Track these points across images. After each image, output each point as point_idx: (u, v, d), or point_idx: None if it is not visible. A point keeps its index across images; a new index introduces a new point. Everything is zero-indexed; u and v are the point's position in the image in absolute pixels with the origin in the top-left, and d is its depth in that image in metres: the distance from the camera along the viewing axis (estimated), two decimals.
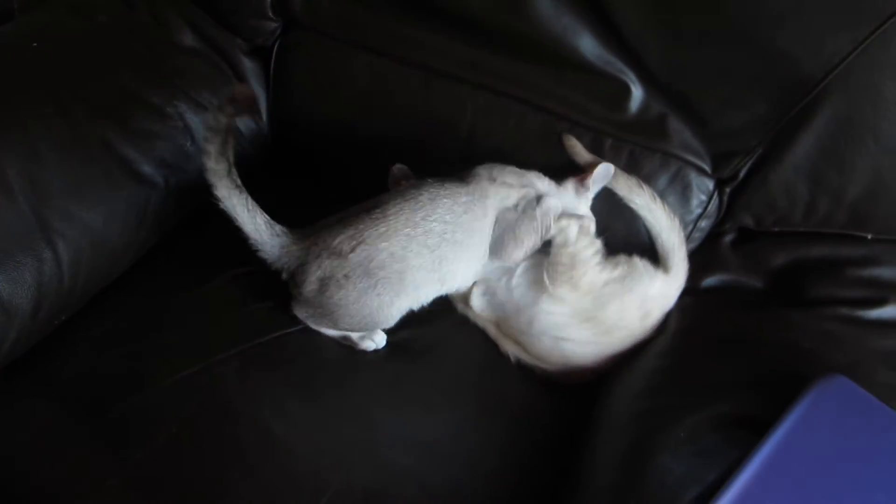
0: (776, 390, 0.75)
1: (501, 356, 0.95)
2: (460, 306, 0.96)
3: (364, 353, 0.90)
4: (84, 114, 0.92)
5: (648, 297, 0.90)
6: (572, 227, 0.89)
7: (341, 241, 0.80)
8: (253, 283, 0.95)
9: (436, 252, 0.82)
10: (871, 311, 0.85)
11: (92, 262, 0.88)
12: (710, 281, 0.95)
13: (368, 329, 0.88)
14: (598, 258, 0.90)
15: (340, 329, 0.88)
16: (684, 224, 0.94)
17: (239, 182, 0.81)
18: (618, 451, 0.77)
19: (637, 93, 0.92)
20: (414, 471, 0.79)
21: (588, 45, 0.91)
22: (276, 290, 0.94)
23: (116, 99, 0.96)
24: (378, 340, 0.90)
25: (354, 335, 0.89)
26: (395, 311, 0.85)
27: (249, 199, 0.81)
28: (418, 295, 0.86)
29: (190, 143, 1.01)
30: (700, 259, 0.96)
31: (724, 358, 0.83)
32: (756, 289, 0.92)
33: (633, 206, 0.92)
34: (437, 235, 0.82)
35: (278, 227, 0.83)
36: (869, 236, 0.90)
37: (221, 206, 0.81)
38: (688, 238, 0.95)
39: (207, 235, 1.03)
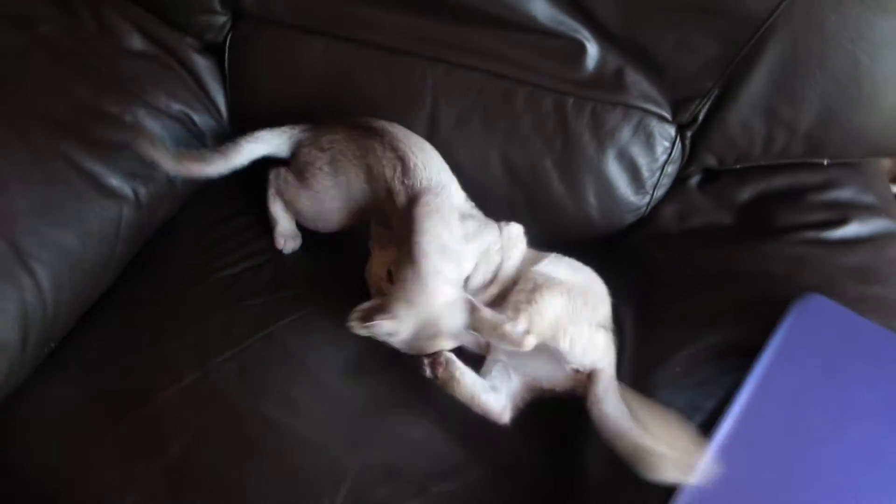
0: (759, 316, 0.79)
1: None
2: None
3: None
4: (41, 131, 0.90)
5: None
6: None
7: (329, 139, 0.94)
8: (237, 284, 0.96)
9: None
10: (835, 232, 0.89)
11: (73, 284, 0.87)
12: (681, 223, 0.98)
13: (317, 225, 0.97)
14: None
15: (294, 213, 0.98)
16: (651, 172, 0.97)
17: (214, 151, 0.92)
18: None
19: (592, 50, 0.94)
20: (429, 444, 0.82)
21: (540, 8, 0.93)
22: (260, 288, 0.95)
23: (72, 112, 0.94)
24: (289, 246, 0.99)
25: (277, 228, 0.98)
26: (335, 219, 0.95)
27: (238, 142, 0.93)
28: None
29: None
30: (670, 204, 1.00)
31: (705, 293, 0.87)
32: (726, 225, 0.96)
33: None
34: None
35: (285, 128, 0.97)
36: (825, 162, 0.94)
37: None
38: (656, 185, 0.98)
39: (182, 242, 1.02)
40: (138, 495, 0.74)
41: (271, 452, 0.78)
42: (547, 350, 0.82)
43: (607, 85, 0.95)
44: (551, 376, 0.85)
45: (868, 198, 0.93)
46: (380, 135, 0.91)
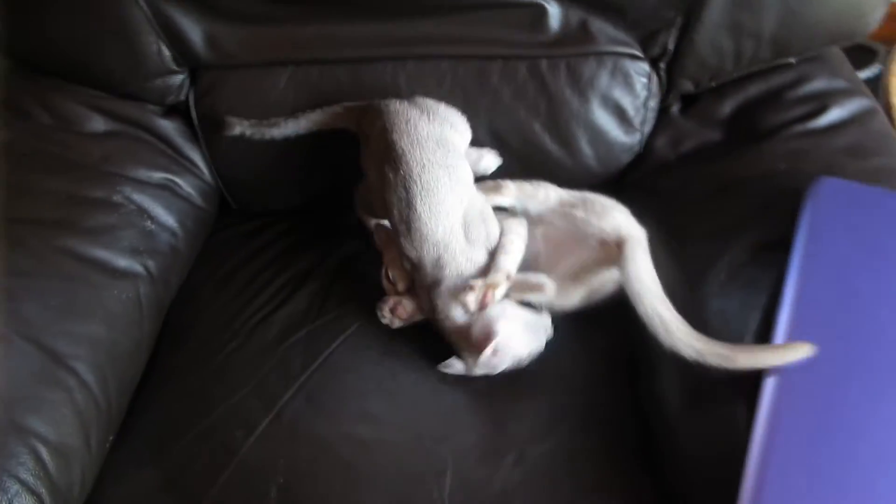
0: (780, 210, 0.83)
1: None
2: None
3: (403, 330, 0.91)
4: (35, 235, 0.87)
5: None
6: None
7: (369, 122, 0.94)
8: (273, 325, 0.94)
9: None
10: (820, 120, 0.94)
11: (115, 372, 0.84)
12: (676, 150, 1.02)
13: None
14: None
15: None
16: (636, 110, 1.00)
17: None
18: None
19: (553, 9, 0.96)
20: (512, 415, 0.83)
21: None
22: (298, 322, 0.94)
23: (58, 208, 0.91)
24: None
25: None
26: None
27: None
28: None
29: (149, 222, 0.97)
30: (660, 136, 1.03)
31: (721, 204, 0.90)
32: (718, 141, 0.99)
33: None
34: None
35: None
36: (793, 60, 0.99)
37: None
38: (643, 120, 1.02)
39: (203, 305, 1.00)
40: None
41: (367, 467, 0.79)
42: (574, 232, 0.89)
43: (575, 39, 0.97)
44: (582, 257, 0.88)
45: (839, 83, 0.98)
46: (396, 163, 0.86)
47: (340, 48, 1.00)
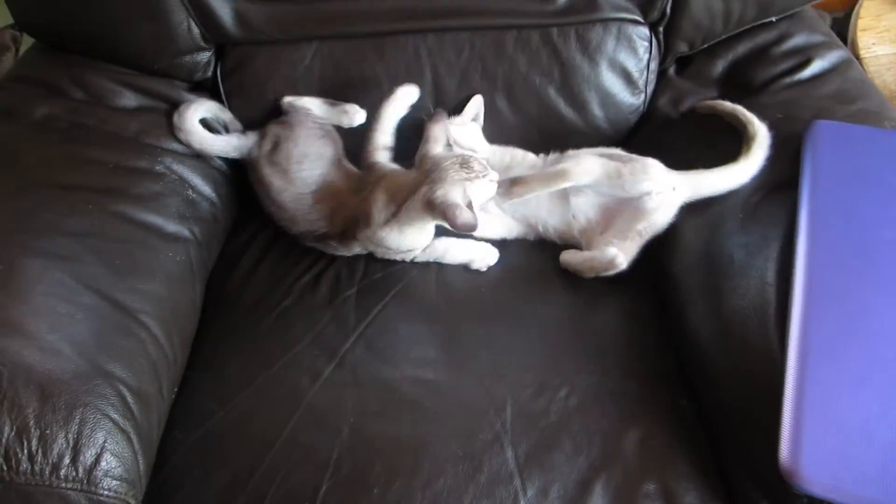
0: (783, 153, 0.93)
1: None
2: None
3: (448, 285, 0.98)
4: (89, 202, 0.90)
5: None
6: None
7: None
8: (322, 286, 1.00)
9: None
10: (805, 72, 1.05)
11: (178, 328, 0.88)
12: (677, 108, 1.11)
13: None
14: None
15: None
16: (640, 72, 1.09)
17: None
18: (698, 255, 0.92)
19: None
20: (560, 353, 0.90)
21: None
22: (347, 282, 1.00)
23: (106, 177, 0.94)
24: None
25: None
26: None
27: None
28: None
29: (190, 191, 1.01)
30: (661, 96, 1.12)
31: (725, 150, 0.99)
32: (714, 97, 1.09)
33: None
34: None
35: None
36: (774, 19, 1.10)
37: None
38: (647, 82, 1.11)
39: (240, 271, 1.04)
40: (331, 482, 0.77)
41: (433, 405, 0.83)
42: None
43: (581, 7, 1.06)
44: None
45: (817, 38, 1.09)
46: None
47: (364, 23, 1.06)
